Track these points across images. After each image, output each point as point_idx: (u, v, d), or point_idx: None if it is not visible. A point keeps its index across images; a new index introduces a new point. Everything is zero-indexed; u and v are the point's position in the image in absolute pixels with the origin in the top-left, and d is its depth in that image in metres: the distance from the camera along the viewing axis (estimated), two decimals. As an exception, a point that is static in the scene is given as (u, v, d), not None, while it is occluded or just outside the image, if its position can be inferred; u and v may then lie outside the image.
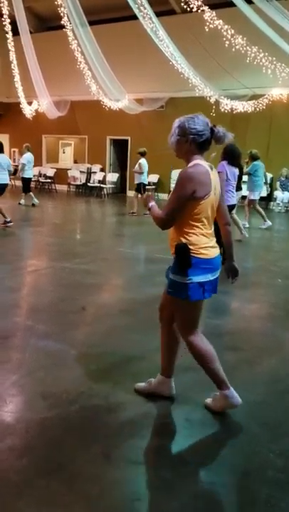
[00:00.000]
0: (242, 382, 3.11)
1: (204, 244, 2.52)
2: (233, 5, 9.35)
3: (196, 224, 2.50)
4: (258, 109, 13.56)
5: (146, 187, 12.56)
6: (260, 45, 9.92)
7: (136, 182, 11.89)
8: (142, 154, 11.75)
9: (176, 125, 2.54)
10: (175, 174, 16.21)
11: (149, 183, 12.07)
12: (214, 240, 2.61)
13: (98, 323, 4.24)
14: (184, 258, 2.49)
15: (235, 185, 6.72)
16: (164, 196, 16.49)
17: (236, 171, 6.67)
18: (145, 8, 9.72)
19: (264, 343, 3.93)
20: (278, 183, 13.73)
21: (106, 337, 3.89)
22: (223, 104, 13.30)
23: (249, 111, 13.76)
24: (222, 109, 13.41)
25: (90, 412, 2.71)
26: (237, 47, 9.71)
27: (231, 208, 6.78)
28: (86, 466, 2.22)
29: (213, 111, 13.34)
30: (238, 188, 8.51)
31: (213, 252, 2.57)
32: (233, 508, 2.06)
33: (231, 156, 6.44)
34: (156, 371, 2.90)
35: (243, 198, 10.53)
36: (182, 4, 9.19)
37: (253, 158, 9.60)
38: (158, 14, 10.84)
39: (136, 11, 9.95)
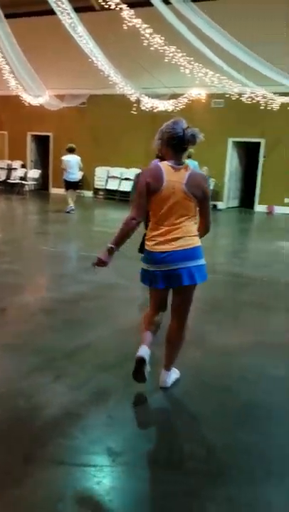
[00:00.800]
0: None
1: (151, 236, 2.81)
2: (150, 4, 9.47)
3: (152, 217, 2.82)
4: (178, 108, 13.86)
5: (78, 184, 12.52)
6: (178, 45, 10.12)
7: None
8: (69, 151, 11.58)
9: (159, 129, 2.81)
10: (100, 171, 16.30)
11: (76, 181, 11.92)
12: (168, 236, 2.74)
13: (20, 324, 4.14)
14: (141, 244, 2.84)
15: None
16: (89, 193, 16.44)
17: None
18: (63, 3, 9.55)
19: (189, 337, 4.01)
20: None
21: (29, 337, 3.81)
22: (144, 102, 13.45)
23: (170, 110, 14.03)
24: (143, 108, 13.56)
25: (12, 412, 2.65)
26: (155, 46, 9.83)
27: None
28: (8, 469, 2.17)
29: (135, 109, 13.46)
30: None
31: (157, 247, 2.76)
32: (155, 501, 2.10)
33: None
34: (81, 368, 2.89)
35: None
36: (100, 1, 9.12)
37: (187, 156, 9.92)
38: (77, 10, 10.70)
39: (53, 5, 9.75)
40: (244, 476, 2.25)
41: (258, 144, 14.69)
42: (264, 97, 11.83)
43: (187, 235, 2.77)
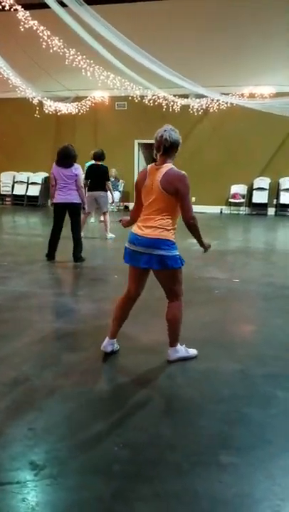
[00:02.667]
0: (84, 381, 3.15)
1: (137, 221, 3.37)
2: (47, 6, 9.31)
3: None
4: (82, 111, 13.81)
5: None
6: (77, 48, 10.06)
7: None
8: None
9: None
10: (6, 177, 15.71)
11: None
12: (144, 223, 3.24)
13: None
14: None
15: (66, 185, 6.81)
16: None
17: (66, 171, 6.78)
18: None
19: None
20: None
21: None
22: (46, 105, 13.21)
23: (74, 112, 13.93)
24: (46, 111, 13.32)
25: None
26: (55, 48, 9.68)
27: (66, 206, 6.90)
28: None
29: (37, 112, 13.18)
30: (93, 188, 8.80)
31: (134, 228, 3.34)
32: (83, 509, 2.05)
33: (57, 157, 6.90)
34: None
35: None
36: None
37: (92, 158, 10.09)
38: None
39: None
40: (170, 470, 2.27)
41: (163, 144, 15.06)
42: (165, 99, 12.15)
43: (159, 226, 3.19)
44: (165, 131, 3.15)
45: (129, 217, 3.62)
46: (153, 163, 3.29)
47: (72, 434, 2.58)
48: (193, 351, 3.57)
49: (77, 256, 6.99)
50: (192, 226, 3.23)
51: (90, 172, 8.88)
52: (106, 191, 8.90)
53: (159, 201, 3.18)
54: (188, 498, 2.10)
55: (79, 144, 12.86)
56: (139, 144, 15.22)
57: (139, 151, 15.35)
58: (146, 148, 15.57)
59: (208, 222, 11.85)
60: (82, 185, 7.18)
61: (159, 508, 2.04)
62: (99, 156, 8.93)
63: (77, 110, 13.82)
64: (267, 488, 2.15)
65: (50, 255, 6.98)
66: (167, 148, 3.17)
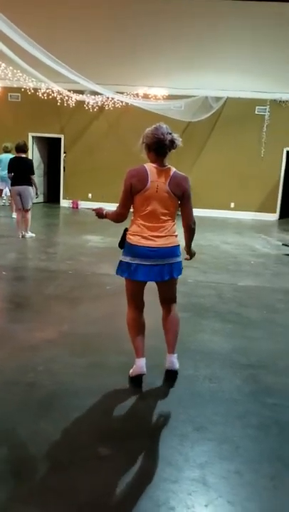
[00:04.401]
0: None
1: (133, 231, 3.02)
2: None
3: (135, 213, 3.04)
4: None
5: None
6: None
7: None
8: None
9: (143, 133, 3.02)
10: None
11: None
12: (153, 233, 2.98)
13: None
14: (121, 239, 3.10)
15: None
16: None
17: None
18: None
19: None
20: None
21: None
22: None
23: None
24: None
25: None
26: None
27: None
28: None
29: None
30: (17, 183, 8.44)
31: (142, 241, 2.97)
32: None
33: None
34: None
35: None
36: None
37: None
38: None
39: None
40: (47, 466, 2.27)
41: (59, 139, 14.85)
42: (60, 93, 11.98)
43: (169, 234, 3.03)
44: (171, 134, 2.96)
45: (109, 211, 3.22)
46: (150, 164, 2.99)
47: None
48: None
49: None
50: (193, 230, 3.19)
51: (14, 165, 8.45)
52: (31, 185, 8.50)
53: (166, 206, 2.99)
54: (67, 493, 2.12)
55: None
56: (33, 137, 14.83)
57: (33, 144, 14.95)
58: (41, 142, 15.23)
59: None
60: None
61: (36, 506, 2.03)
62: (22, 148, 8.54)
63: None
64: (142, 477, 2.24)
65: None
66: (167, 151, 2.98)
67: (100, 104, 13.17)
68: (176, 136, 2.99)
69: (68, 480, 2.19)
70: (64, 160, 14.86)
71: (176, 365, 3.24)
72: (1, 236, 8.68)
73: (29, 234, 8.70)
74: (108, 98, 12.86)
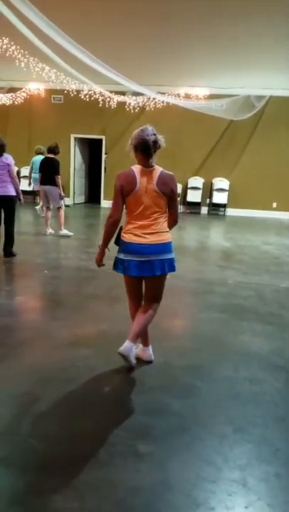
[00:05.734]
0: (7, 376, 3.10)
1: (127, 230, 3.16)
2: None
3: (128, 214, 3.18)
4: (16, 103, 13.45)
5: None
6: (11, 37, 9.78)
7: None
8: None
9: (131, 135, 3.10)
10: None
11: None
12: (144, 230, 3.11)
13: None
14: (116, 237, 3.22)
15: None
16: None
17: None
18: None
19: (28, 336, 3.94)
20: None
21: None
22: (-21, 95, 12.76)
23: (8, 104, 13.55)
24: (-21, 101, 12.87)
25: None
26: (-13, 36, 9.36)
27: (1, 199, 6.71)
28: None
29: None
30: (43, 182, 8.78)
31: (133, 238, 3.11)
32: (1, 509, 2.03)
33: None
34: None
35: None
36: None
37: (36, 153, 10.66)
38: None
39: None
40: (87, 461, 2.30)
41: (100, 140, 15.02)
42: (102, 95, 12.12)
43: (160, 230, 3.15)
44: (155, 135, 3.05)
45: (100, 243, 3.26)
46: (138, 166, 3.12)
47: (-11, 430, 2.54)
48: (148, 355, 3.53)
49: (8, 251, 6.81)
50: (175, 224, 3.34)
51: (42, 165, 8.83)
52: (55, 185, 8.71)
53: (155, 205, 3.12)
54: (105, 488, 2.13)
55: (12, 136, 12.56)
56: (75, 138, 15.07)
57: (75, 145, 15.20)
58: (83, 143, 15.46)
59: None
60: (16, 175, 6.96)
61: (74, 500, 2.06)
62: (51, 149, 8.81)
63: (11, 101, 13.44)
64: (180, 475, 2.23)
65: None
66: (155, 151, 3.08)
67: (141, 104, 13.22)
68: (160, 137, 3.08)
69: (107, 475, 2.21)
70: (105, 161, 15.01)
71: (125, 351, 3.17)
72: (44, 235, 8.86)
73: (64, 231, 8.84)
74: (149, 98, 12.90)
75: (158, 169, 3.13)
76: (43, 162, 8.84)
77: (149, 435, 2.55)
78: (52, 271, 6.27)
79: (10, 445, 2.40)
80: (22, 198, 7.05)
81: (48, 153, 8.86)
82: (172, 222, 3.30)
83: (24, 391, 2.97)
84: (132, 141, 3.09)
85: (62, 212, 8.90)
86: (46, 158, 8.87)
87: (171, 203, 3.22)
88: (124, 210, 3.22)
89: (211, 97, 13.55)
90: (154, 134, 3.05)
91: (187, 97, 13.48)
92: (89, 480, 2.17)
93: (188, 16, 8.19)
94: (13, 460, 2.28)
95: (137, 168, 3.11)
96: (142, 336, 3.43)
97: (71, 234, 8.87)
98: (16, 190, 6.78)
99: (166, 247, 3.19)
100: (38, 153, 10.70)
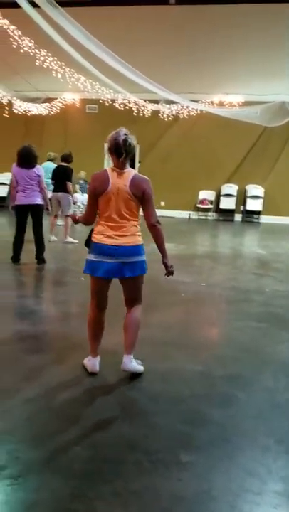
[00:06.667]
0: (47, 383, 3.15)
1: (97, 231, 3.16)
2: (18, 6, 9.24)
3: (100, 214, 3.17)
4: (52, 112, 13.73)
5: None
6: (48, 49, 10.02)
7: None
8: None
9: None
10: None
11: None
12: (115, 232, 3.10)
13: None
14: (87, 238, 3.24)
15: (29, 187, 6.73)
16: None
17: (29, 172, 6.71)
18: None
19: (67, 343, 3.99)
20: (77, 186, 14.13)
21: None
22: (16, 105, 13.08)
23: (44, 114, 13.84)
24: (15, 111, 13.19)
25: None
26: (25, 48, 9.61)
27: (29, 207, 6.80)
28: None
29: (7, 112, 13.05)
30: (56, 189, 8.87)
31: (104, 239, 3.10)
32: (43, 509, 2.06)
33: (18, 157, 6.76)
34: None
35: None
36: None
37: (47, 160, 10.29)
38: None
39: None
40: (130, 469, 2.30)
41: (133, 148, 15.12)
42: (136, 104, 12.23)
43: (131, 233, 3.13)
44: (126, 135, 3.07)
45: (81, 216, 3.46)
46: (110, 167, 3.14)
47: (32, 436, 2.58)
48: (141, 368, 3.38)
49: (40, 257, 6.94)
50: (158, 231, 3.21)
51: (55, 173, 8.96)
52: (67, 193, 8.84)
53: (126, 207, 3.11)
54: (149, 496, 2.14)
55: (47, 146, 12.81)
56: (109, 147, 15.23)
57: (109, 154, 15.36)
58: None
59: (177, 226, 11.97)
60: (46, 186, 7.11)
61: (118, 507, 2.07)
62: (66, 158, 8.95)
63: (47, 111, 13.74)
64: (224, 485, 2.21)
65: (16, 258, 6.87)
66: (128, 153, 3.08)
67: (174, 113, 13.27)
68: (131, 137, 3.10)
69: (150, 483, 2.21)
70: (139, 169, 15.11)
71: (128, 366, 3.25)
72: (70, 243, 8.90)
73: (69, 239, 8.84)
74: (183, 107, 12.94)
75: (132, 172, 3.14)
76: (57, 169, 8.95)
77: (190, 444, 2.54)
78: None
79: (54, 452, 2.43)
80: (50, 208, 7.40)
81: (62, 161, 8.97)
82: (151, 227, 3.20)
83: (69, 397, 3.01)
84: (108, 144, 3.13)
85: (69, 220, 8.83)
86: (60, 166, 8.96)
87: (145, 206, 3.17)
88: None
89: (245, 104, 13.47)
90: (126, 134, 3.08)
91: (221, 104, 13.45)
92: (132, 487, 2.18)
93: (222, 21, 8.21)
94: (58, 467, 2.31)
95: (110, 170, 3.12)
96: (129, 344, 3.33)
97: (76, 242, 8.73)
98: (44, 200, 6.95)
99: (136, 250, 3.16)
100: (48, 160, 10.64)
